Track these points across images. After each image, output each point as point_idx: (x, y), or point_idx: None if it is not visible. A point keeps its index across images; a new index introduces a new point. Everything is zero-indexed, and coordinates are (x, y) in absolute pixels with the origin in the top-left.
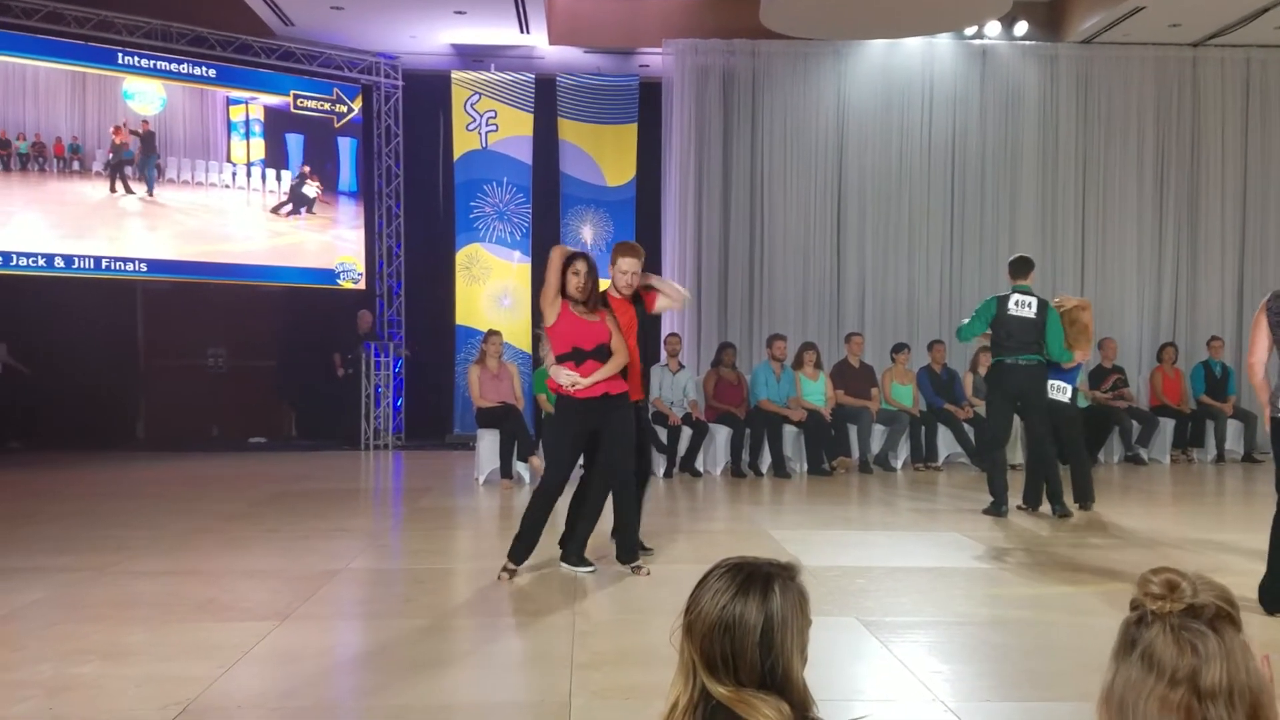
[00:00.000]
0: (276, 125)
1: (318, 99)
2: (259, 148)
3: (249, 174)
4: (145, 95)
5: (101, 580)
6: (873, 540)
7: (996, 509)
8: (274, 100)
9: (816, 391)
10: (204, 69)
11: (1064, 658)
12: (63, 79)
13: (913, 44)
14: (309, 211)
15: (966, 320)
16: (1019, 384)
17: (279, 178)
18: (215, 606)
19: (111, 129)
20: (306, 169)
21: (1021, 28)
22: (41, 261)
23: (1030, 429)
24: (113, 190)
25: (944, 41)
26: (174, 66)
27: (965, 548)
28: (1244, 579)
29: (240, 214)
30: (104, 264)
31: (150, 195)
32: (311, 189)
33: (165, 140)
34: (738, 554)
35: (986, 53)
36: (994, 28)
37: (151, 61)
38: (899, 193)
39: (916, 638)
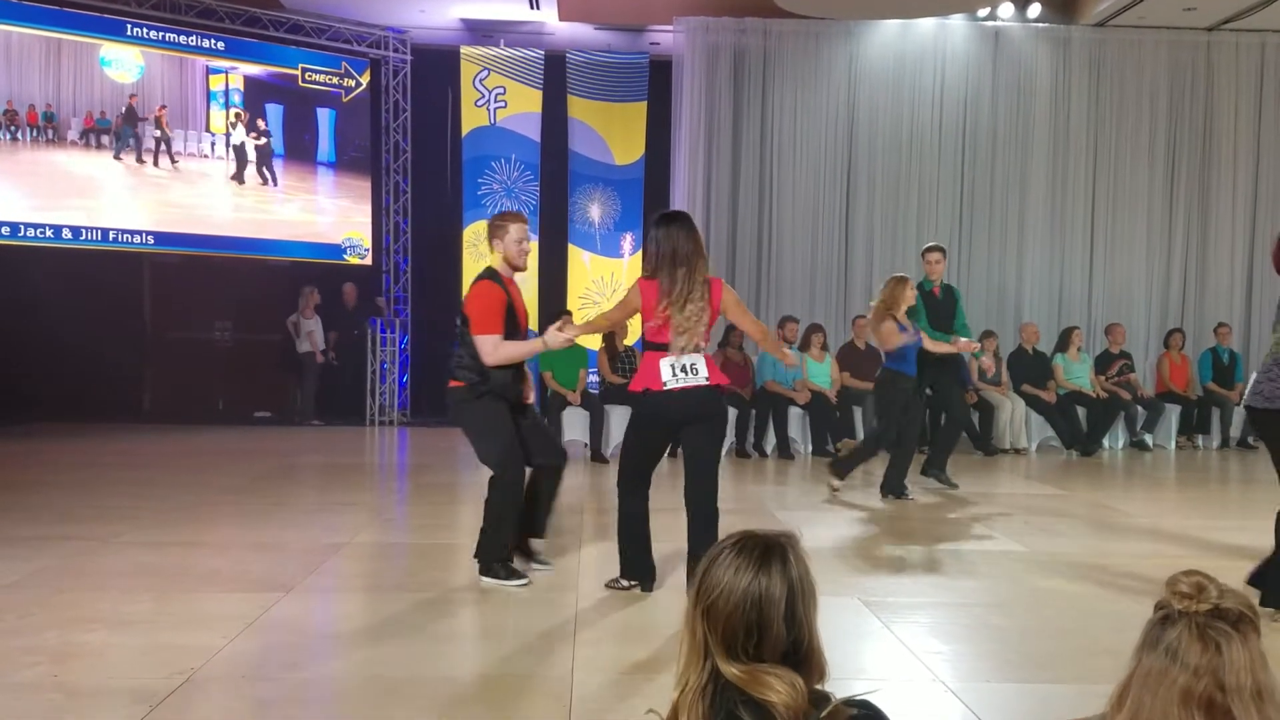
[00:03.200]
0: (256, 95)
1: (326, 73)
2: (239, 117)
3: (228, 144)
4: (122, 62)
5: (107, 550)
6: (875, 522)
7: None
8: (254, 70)
9: (822, 373)
10: (212, 41)
11: (1065, 640)
12: (37, 45)
13: (925, 24)
14: (268, 172)
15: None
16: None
17: (256, 149)
18: (220, 578)
19: (158, 108)
20: (236, 114)
21: (1035, 9)
22: (49, 232)
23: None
24: (156, 164)
25: (956, 22)
26: (182, 39)
27: (967, 529)
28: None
29: (219, 185)
30: (111, 236)
31: (174, 165)
32: (249, 144)
33: (144, 108)
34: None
35: (999, 34)
36: (1007, 9)
37: (160, 34)
38: (909, 175)
39: (917, 618)
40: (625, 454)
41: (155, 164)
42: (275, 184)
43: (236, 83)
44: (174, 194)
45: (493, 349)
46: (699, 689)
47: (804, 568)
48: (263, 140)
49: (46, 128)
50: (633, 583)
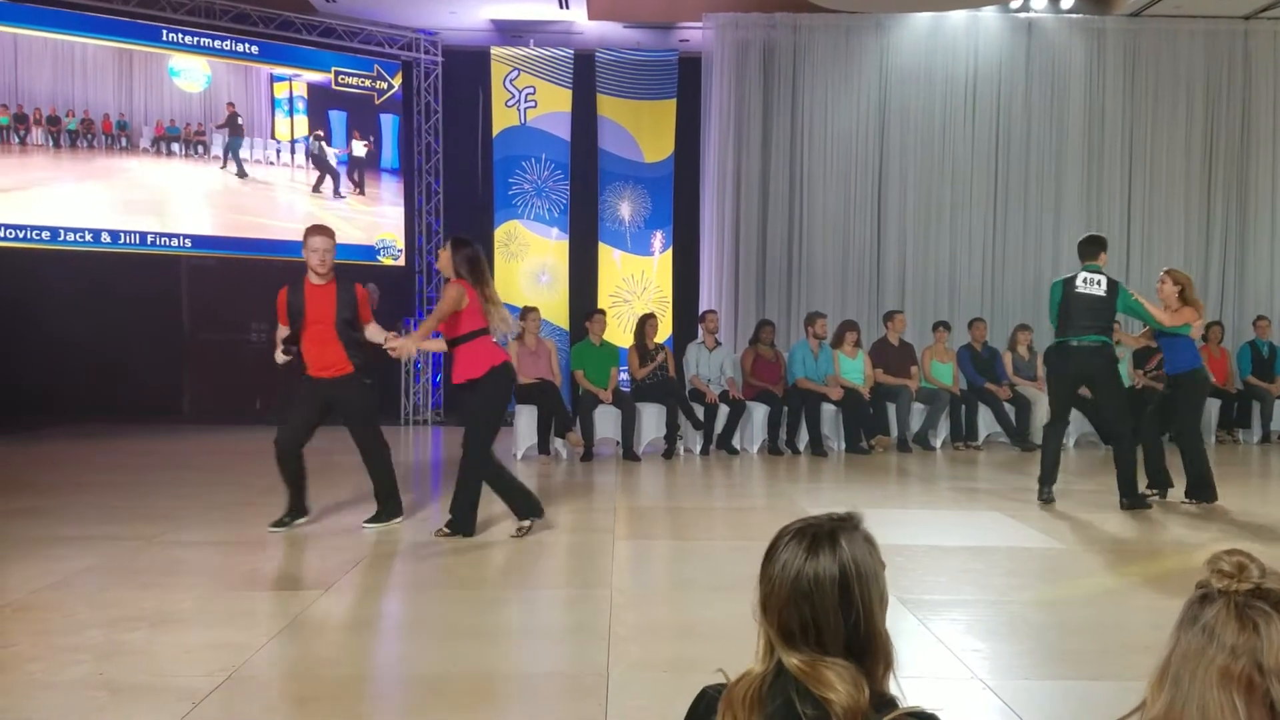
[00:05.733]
0: (320, 102)
1: (359, 75)
2: (303, 124)
3: (293, 150)
4: (190, 73)
5: (150, 549)
6: (911, 519)
7: (1041, 495)
8: (316, 77)
9: (855, 370)
10: (247, 45)
11: (1103, 637)
12: (109, 57)
13: (957, 17)
14: (352, 183)
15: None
16: (1080, 365)
17: (321, 154)
18: (260, 576)
19: (227, 106)
20: (320, 132)
21: (1068, 0)
22: (89, 237)
23: (1102, 412)
24: (224, 167)
25: (989, 14)
26: (217, 43)
27: (1005, 527)
28: None
29: (285, 191)
30: (149, 240)
31: (241, 175)
32: (330, 154)
33: (209, 117)
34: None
35: (1032, 26)
36: (1040, 0)
37: (195, 39)
38: (941, 169)
39: (954, 616)
40: (490, 425)
41: (224, 167)
42: (362, 192)
43: (300, 90)
44: (243, 200)
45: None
46: (761, 674)
47: (862, 550)
48: (363, 151)
49: (120, 136)
50: (532, 519)
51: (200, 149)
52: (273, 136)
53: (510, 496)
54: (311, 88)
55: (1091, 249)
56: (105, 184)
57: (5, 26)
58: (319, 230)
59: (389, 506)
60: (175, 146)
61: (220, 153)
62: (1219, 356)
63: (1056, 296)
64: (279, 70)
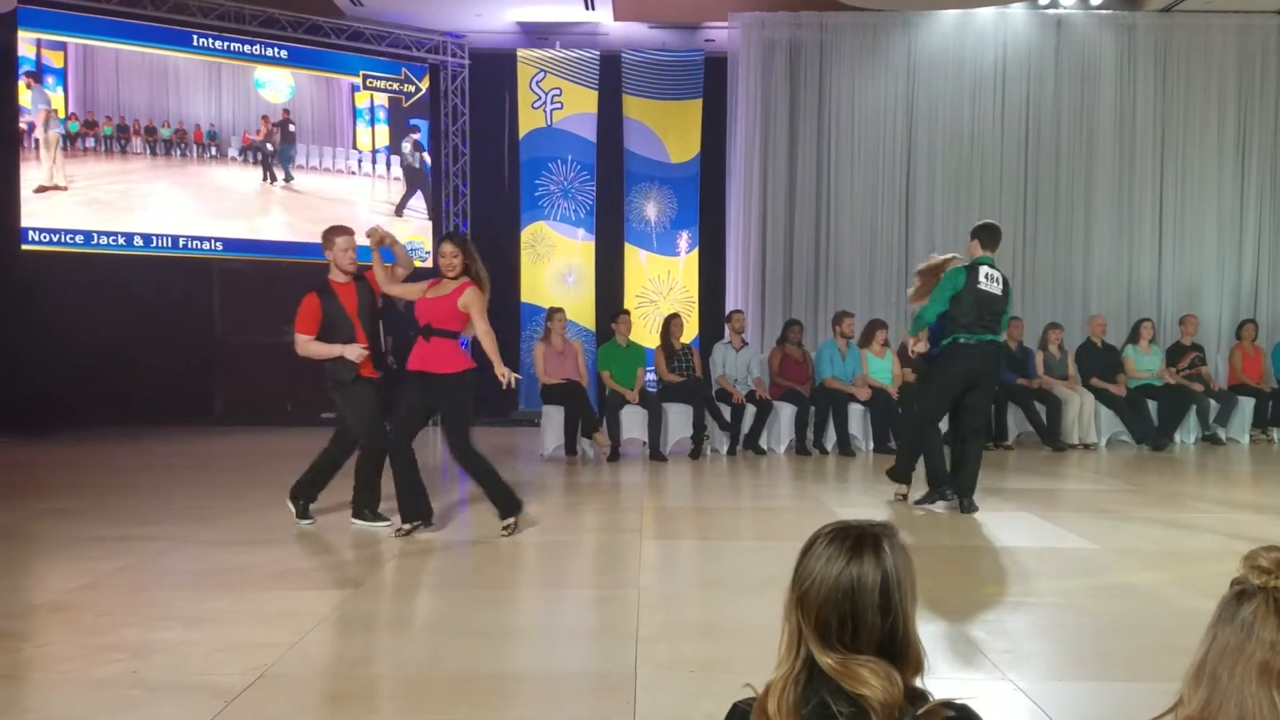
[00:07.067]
0: (400, 111)
1: (386, 79)
2: (383, 134)
3: (374, 160)
4: (275, 84)
5: (182, 549)
6: (941, 520)
7: (940, 494)
8: (345, 80)
9: (883, 369)
10: (275, 49)
11: (1136, 639)
12: (200, 69)
13: (985, 14)
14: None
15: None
16: (979, 364)
17: (415, 166)
18: (291, 575)
19: (261, 118)
20: (414, 139)
21: None
22: (121, 240)
23: (977, 410)
24: (265, 179)
25: (1017, 11)
26: (246, 48)
27: (1036, 527)
28: None
29: (365, 199)
30: (180, 243)
31: (287, 182)
32: (415, 159)
33: (295, 127)
34: (836, 521)
35: (1061, 22)
36: None
37: (224, 43)
38: (970, 167)
39: (987, 617)
40: (467, 422)
41: (288, 179)
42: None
43: (381, 100)
44: (315, 208)
45: (301, 346)
46: (793, 675)
47: (902, 559)
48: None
49: (210, 145)
50: (415, 524)
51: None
52: (354, 146)
53: (406, 493)
54: (392, 98)
55: (996, 240)
56: (193, 192)
57: (106, 42)
58: (346, 230)
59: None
60: (258, 155)
61: (270, 161)
62: (1253, 355)
63: (958, 285)
64: (357, 80)
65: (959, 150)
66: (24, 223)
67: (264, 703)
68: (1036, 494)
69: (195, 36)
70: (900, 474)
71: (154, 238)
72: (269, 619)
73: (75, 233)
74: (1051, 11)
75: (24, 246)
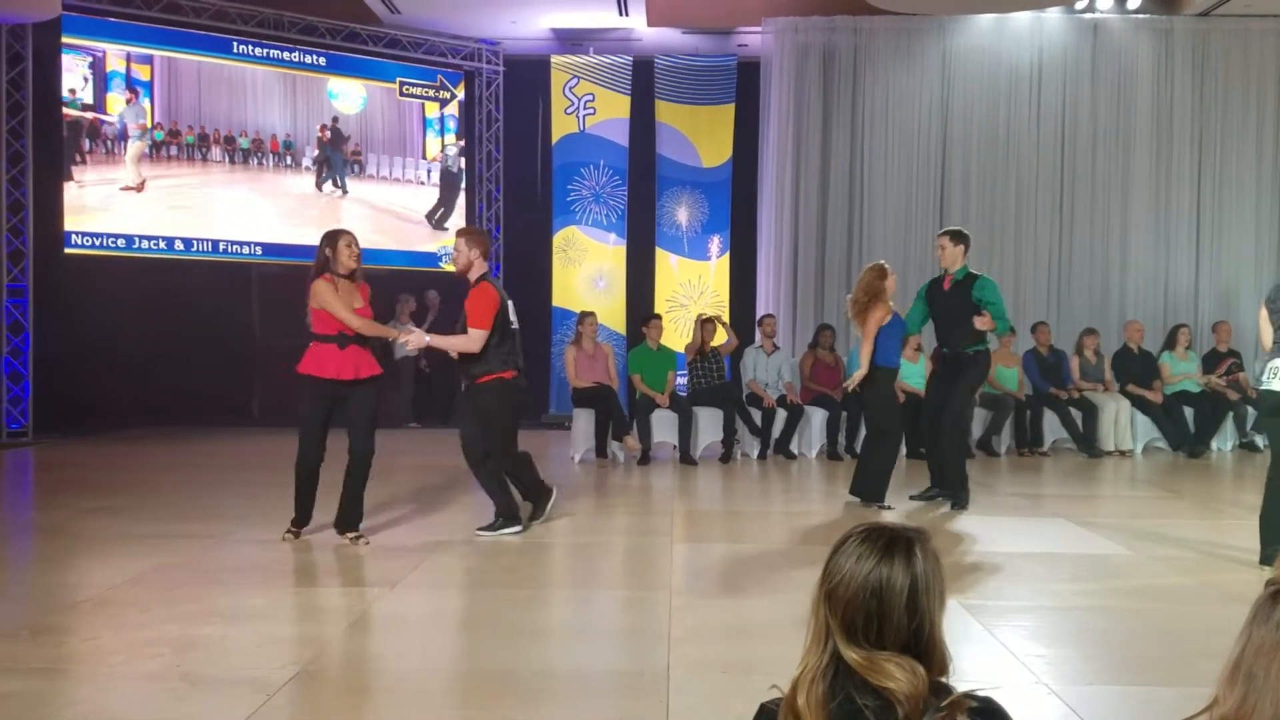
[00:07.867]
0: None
1: (422, 86)
2: (453, 143)
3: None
4: (348, 95)
5: (222, 547)
6: (974, 524)
7: (962, 501)
8: (382, 87)
9: (917, 374)
10: (314, 57)
11: (1169, 644)
12: (276, 81)
13: (1021, 18)
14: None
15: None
16: (957, 375)
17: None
18: (329, 573)
19: (318, 128)
20: (454, 139)
21: (1134, 1)
22: (162, 244)
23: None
24: (318, 187)
25: (1053, 15)
26: (286, 55)
27: (1071, 533)
28: None
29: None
30: (220, 247)
31: (343, 191)
32: (454, 163)
33: (366, 137)
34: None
35: (1098, 27)
36: (1106, 1)
37: (265, 50)
38: (1005, 173)
39: (1019, 622)
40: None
41: (341, 188)
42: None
43: (452, 109)
44: (375, 219)
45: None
46: (819, 670)
47: (932, 563)
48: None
49: (285, 155)
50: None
51: (357, 168)
52: (424, 157)
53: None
54: (462, 106)
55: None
56: (270, 199)
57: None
58: (348, 231)
59: (539, 505)
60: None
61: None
62: None
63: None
64: (393, 87)
65: (994, 155)
66: (66, 227)
67: (304, 697)
68: (1072, 500)
69: (235, 44)
70: (875, 494)
71: (194, 242)
72: (307, 615)
73: (117, 236)
74: (1088, 16)
75: (66, 250)
